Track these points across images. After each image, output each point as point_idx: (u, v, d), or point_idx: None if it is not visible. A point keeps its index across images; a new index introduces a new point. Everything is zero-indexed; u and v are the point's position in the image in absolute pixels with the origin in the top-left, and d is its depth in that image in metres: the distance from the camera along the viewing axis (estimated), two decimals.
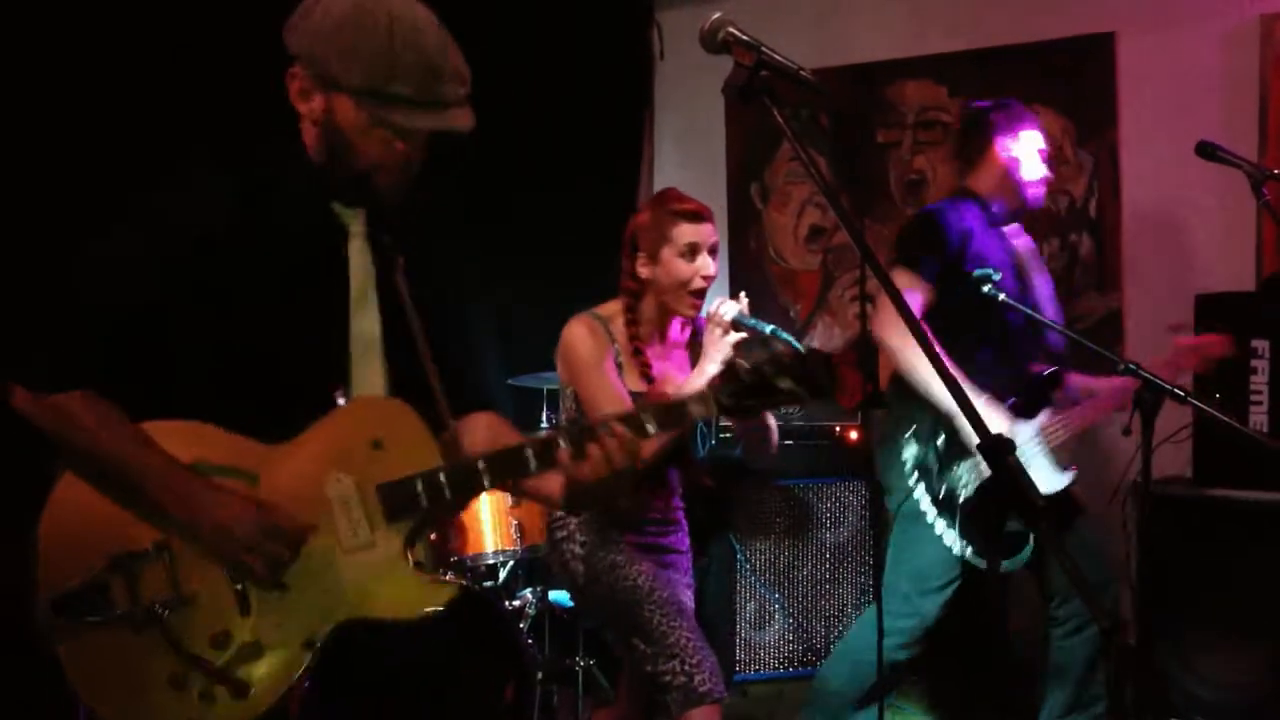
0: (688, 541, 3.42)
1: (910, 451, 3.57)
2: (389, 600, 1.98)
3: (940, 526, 3.51)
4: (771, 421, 3.24)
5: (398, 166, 2.00)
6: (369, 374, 2.06)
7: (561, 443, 1.96)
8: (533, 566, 4.54)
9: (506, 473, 1.99)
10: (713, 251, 3.19)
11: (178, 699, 1.89)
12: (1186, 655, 3.97)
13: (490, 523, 4.14)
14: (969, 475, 3.52)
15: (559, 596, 4.70)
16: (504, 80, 4.89)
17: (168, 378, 1.96)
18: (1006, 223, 3.84)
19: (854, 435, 4.77)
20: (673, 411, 1.99)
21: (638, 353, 3.20)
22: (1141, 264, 4.84)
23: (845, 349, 5.39)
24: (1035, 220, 4.98)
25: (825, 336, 5.51)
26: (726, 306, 3.00)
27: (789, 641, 4.75)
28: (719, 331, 3.01)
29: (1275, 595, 3.83)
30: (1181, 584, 3.96)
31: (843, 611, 4.71)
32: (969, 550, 3.51)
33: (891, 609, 3.58)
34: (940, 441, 3.54)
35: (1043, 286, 3.84)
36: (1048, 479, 3.61)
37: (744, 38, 1.92)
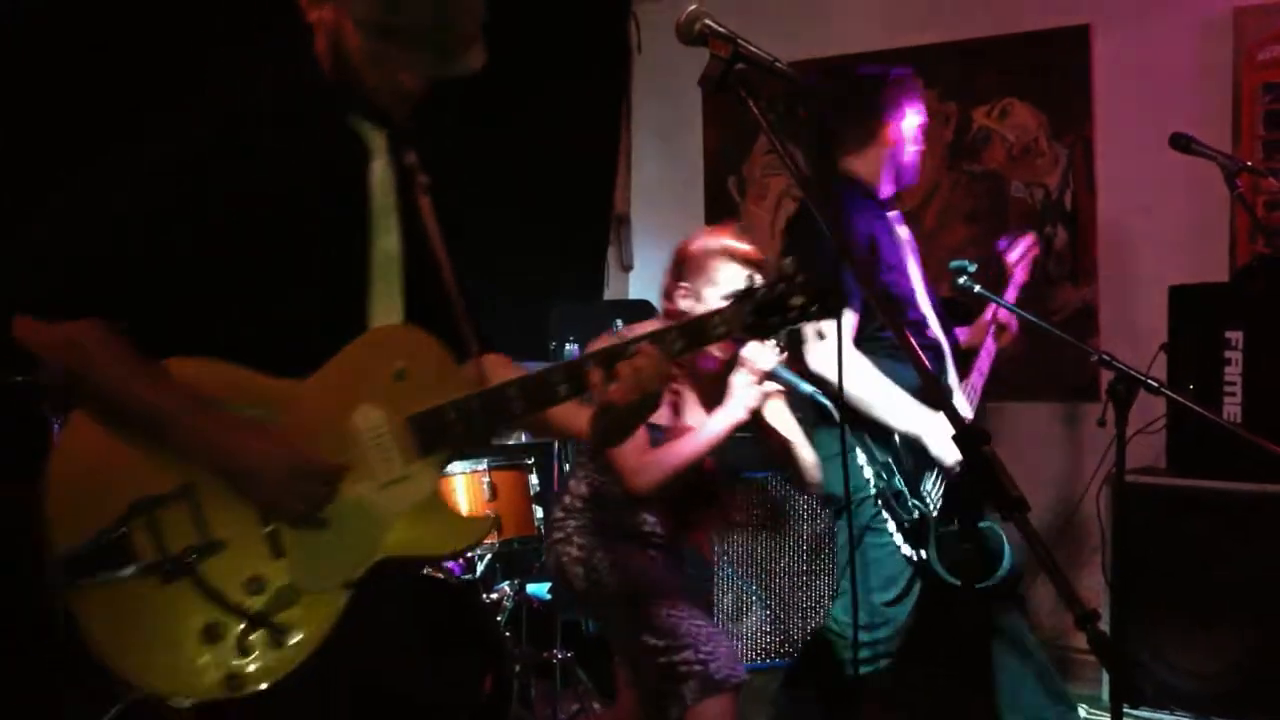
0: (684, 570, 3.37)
1: (868, 475, 3.49)
2: (426, 537, 1.91)
3: (907, 547, 3.47)
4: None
5: (400, 95, 1.93)
6: (388, 296, 1.97)
7: (591, 365, 1.90)
8: (510, 559, 4.54)
9: (538, 398, 1.91)
10: None
11: (212, 651, 1.79)
12: (1159, 644, 4.00)
13: (467, 516, 4.14)
14: (936, 489, 3.49)
15: (537, 589, 4.69)
16: (480, 73, 4.88)
17: (179, 309, 1.87)
18: (892, 208, 3.74)
19: None
20: (698, 328, 1.95)
21: None
22: (1116, 256, 4.87)
23: None
24: (1010, 212, 5.02)
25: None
26: (765, 356, 2.90)
27: (766, 633, 4.75)
28: (752, 379, 2.92)
29: (1247, 584, 3.86)
30: (1155, 573, 3.98)
31: (820, 603, 4.72)
32: (946, 571, 3.45)
33: (864, 621, 3.57)
34: (904, 462, 3.46)
35: (920, 275, 3.76)
36: None
37: (720, 30, 1.92)
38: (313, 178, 1.91)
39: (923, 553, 3.46)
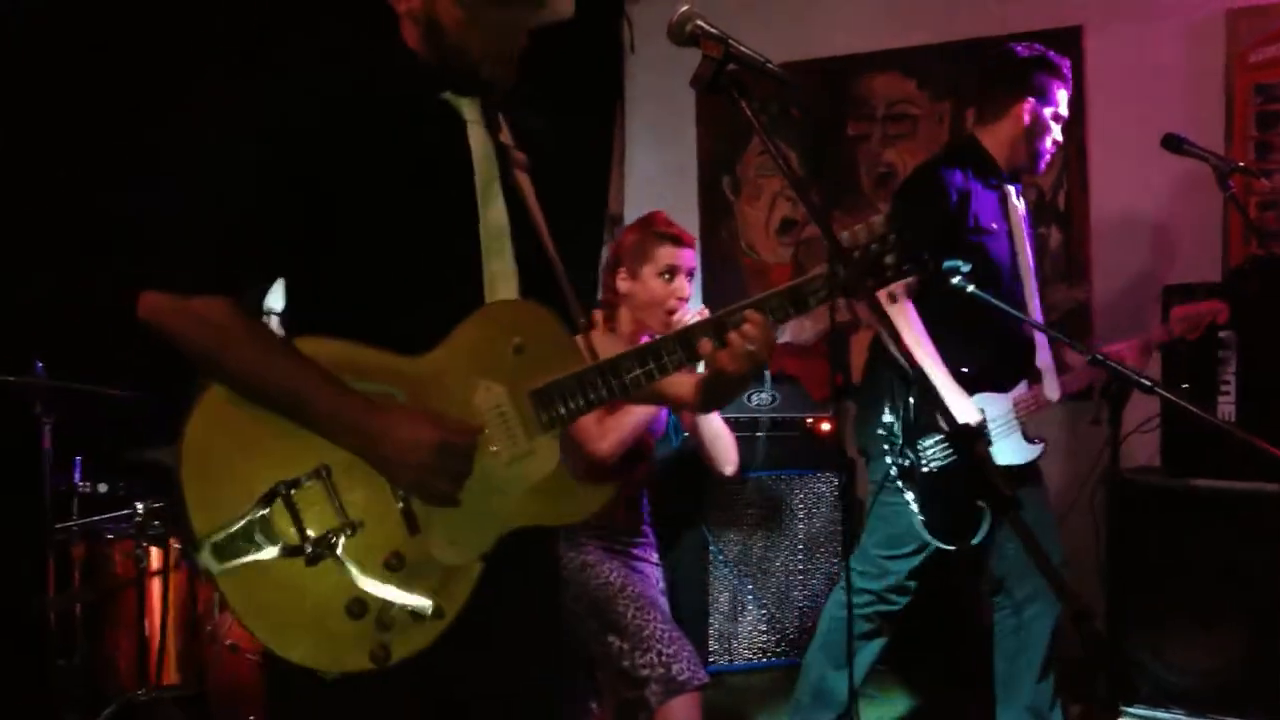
0: (656, 557, 3.42)
1: (886, 419, 3.55)
2: (552, 507, 1.96)
3: (909, 496, 3.51)
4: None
5: (504, 58, 1.97)
6: (501, 267, 1.98)
7: (702, 334, 1.96)
8: None
9: (651, 370, 1.95)
10: (689, 275, 3.31)
11: (356, 627, 1.82)
12: (1156, 643, 4.01)
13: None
14: (937, 449, 3.52)
15: None
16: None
17: (297, 288, 1.91)
18: (1009, 182, 3.73)
19: (825, 427, 4.78)
20: (799, 292, 2.01)
21: None
22: (1109, 256, 4.88)
23: (816, 342, 5.40)
24: None
25: (797, 329, 5.53)
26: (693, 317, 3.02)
27: (762, 632, 4.76)
28: None
29: (1243, 583, 3.87)
30: (1150, 572, 3.99)
31: (815, 602, 4.72)
32: (923, 526, 3.50)
33: (861, 569, 3.67)
34: (911, 412, 3.52)
35: (1029, 255, 3.78)
36: (1017, 451, 3.63)
37: (712, 31, 1.92)
38: (413, 151, 1.93)
39: (921, 520, 3.48)
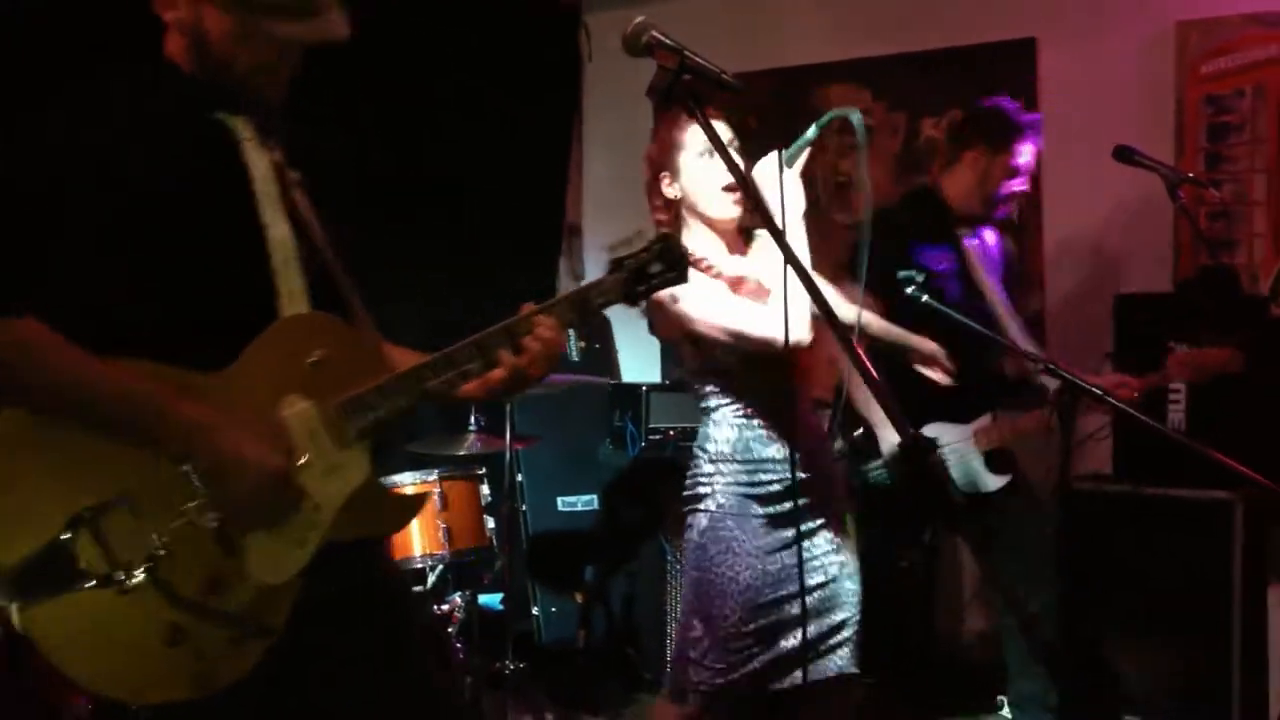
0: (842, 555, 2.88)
1: (838, 445, 3.61)
2: (365, 519, 1.96)
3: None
4: None
5: (272, 73, 1.93)
6: (291, 284, 1.94)
7: (497, 344, 1.99)
8: (461, 570, 4.51)
9: (452, 377, 1.97)
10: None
11: (177, 653, 1.77)
12: (1108, 649, 4.04)
13: (417, 526, 4.11)
14: (879, 473, 3.64)
15: (488, 600, 4.67)
16: (431, 82, 4.87)
17: (89, 314, 1.80)
18: (964, 226, 3.90)
19: None
20: (583, 300, 2.07)
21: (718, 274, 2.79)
22: (1061, 266, 4.92)
23: None
24: None
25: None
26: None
27: None
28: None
29: (1193, 589, 3.90)
30: (1102, 578, 4.03)
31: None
32: None
33: None
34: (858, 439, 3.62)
35: (998, 289, 3.89)
36: (980, 481, 3.68)
37: (667, 41, 1.92)
38: (191, 174, 1.87)
39: None
